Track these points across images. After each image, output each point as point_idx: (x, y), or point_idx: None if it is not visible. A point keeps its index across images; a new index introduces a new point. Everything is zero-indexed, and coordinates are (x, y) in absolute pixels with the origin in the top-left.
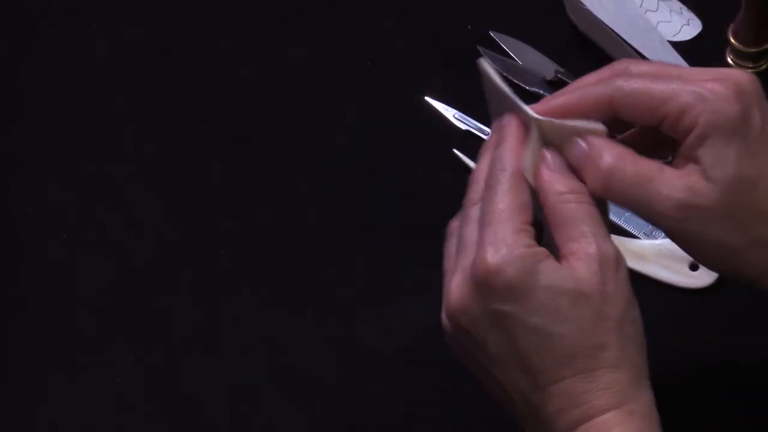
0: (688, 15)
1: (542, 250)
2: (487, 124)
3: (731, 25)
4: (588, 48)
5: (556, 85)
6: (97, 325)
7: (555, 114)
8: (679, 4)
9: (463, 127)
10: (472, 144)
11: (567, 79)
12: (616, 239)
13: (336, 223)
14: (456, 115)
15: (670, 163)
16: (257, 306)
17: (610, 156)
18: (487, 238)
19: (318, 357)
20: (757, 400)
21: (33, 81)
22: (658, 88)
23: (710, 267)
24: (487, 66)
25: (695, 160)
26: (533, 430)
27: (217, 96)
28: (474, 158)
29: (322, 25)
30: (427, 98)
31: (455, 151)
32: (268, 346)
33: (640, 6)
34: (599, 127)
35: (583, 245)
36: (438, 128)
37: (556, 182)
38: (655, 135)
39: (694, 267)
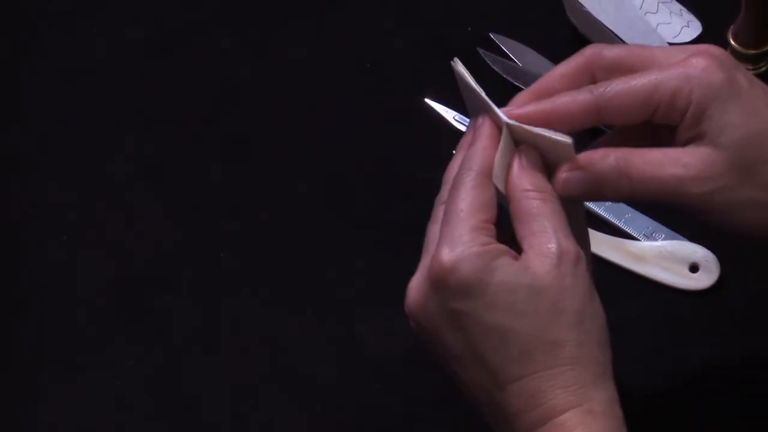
0: (688, 17)
1: (500, 247)
2: None
3: (731, 27)
4: None
5: None
6: (97, 325)
7: (539, 123)
8: (679, 6)
9: (463, 128)
10: None
11: None
12: (616, 241)
13: (336, 223)
14: (456, 117)
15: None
16: (257, 306)
17: (616, 158)
18: (444, 236)
19: (318, 357)
20: (757, 401)
21: (33, 81)
22: (642, 81)
23: (749, 233)
24: (461, 67)
25: (699, 135)
26: (497, 427)
27: (217, 96)
28: None
29: (322, 26)
30: (426, 100)
31: (455, 152)
32: (268, 346)
33: (640, 8)
34: (567, 139)
35: (542, 240)
36: (438, 130)
37: (523, 179)
38: (631, 132)
39: (694, 269)
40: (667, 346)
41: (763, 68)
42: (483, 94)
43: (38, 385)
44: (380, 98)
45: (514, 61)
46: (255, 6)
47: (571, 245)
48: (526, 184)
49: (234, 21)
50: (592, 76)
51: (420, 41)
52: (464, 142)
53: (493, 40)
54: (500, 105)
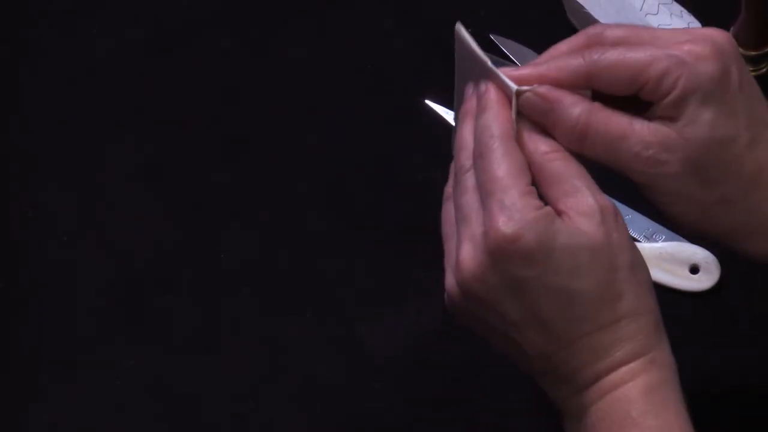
0: (688, 18)
1: (550, 209)
2: None
3: (731, 28)
4: None
5: None
6: (97, 325)
7: (531, 84)
8: (680, 8)
9: None
10: None
11: None
12: None
13: (336, 223)
14: None
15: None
16: (257, 306)
17: (581, 112)
18: (494, 206)
19: (318, 357)
20: (758, 403)
21: (33, 81)
22: (635, 57)
23: (678, 224)
24: (464, 32)
25: (671, 118)
26: (552, 386)
27: (217, 96)
28: None
29: (322, 26)
30: (427, 101)
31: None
32: (267, 347)
33: (641, 9)
34: None
35: (581, 199)
36: (438, 131)
37: (539, 142)
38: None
39: (694, 270)
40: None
41: (764, 69)
42: (489, 63)
43: (38, 385)
44: (380, 99)
45: (515, 63)
46: (255, 6)
47: (605, 200)
48: (544, 147)
49: (234, 21)
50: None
51: (420, 43)
52: (468, 108)
53: (493, 41)
54: None
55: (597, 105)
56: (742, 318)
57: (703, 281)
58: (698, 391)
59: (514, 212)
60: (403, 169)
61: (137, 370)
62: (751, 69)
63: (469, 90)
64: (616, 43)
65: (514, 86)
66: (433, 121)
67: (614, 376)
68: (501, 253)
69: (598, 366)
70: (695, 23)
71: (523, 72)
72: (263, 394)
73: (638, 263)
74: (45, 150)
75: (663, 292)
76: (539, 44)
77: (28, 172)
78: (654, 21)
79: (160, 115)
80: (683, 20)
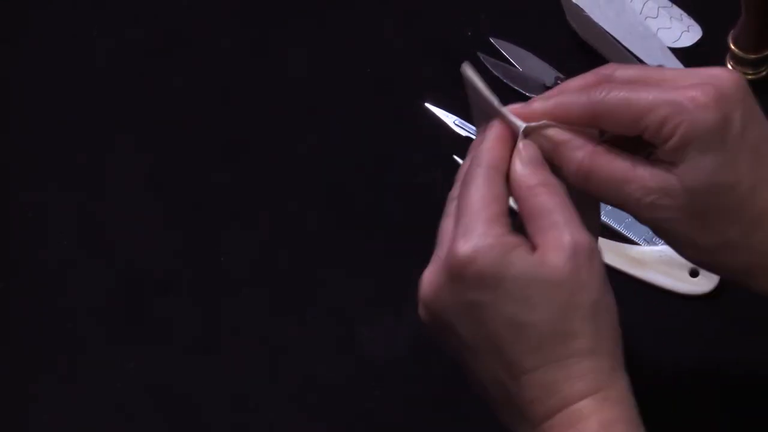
0: (688, 21)
1: (515, 239)
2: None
3: (731, 32)
4: (588, 54)
5: None
6: (97, 326)
7: (533, 117)
8: (679, 11)
9: (463, 133)
10: None
11: None
12: (616, 245)
13: (336, 223)
14: (456, 122)
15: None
16: (257, 307)
17: (584, 155)
18: (459, 229)
19: (318, 358)
20: (757, 405)
21: (33, 81)
22: (639, 99)
23: (688, 260)
24: (471, 73)
25: (671, 163)
26: (509, 417)
27: (217, 96)
28: None
29: (322, 29)
30: (427, 104)
31: (455, 157)
32: (268, 348)
33: (640, 12)
34: None
35: (554, 234)
36: (438, 134)
37: (527, 175)
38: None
39: (694, 273)
40: (668, 351)
41: (764, 72)
42: (495, 102)
43: (38, 386)
44: (380, 101)
45: (515, 66)
46: (255, 6)
47: (584, 237)
48: (531, 181)
49: (234, 21)
50: None
51: (420, 45)
52: (475, 143)
53: (493, 44)
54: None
55: (601, 148)
56: (741, 321)
57: (703, 284)
58: (697, 394)
59: (473, 236)
60: (403, 171)
61: (137, 372)
62: (750, 72)
63: (482, 127)
64: (624, 84)
65: (522, 124)
66: (432, 123)
67: (567, 414)
68: (456, 274)
69: (550, 402)
70: (695, 26)
71: (533, 108)
72: (263, 394)
73: (605, 306)
74: (45, 150)
75: (663, 296)
76: (539, 48)
77: (28, 173)
78: (654, 24)
79: (160, 115)
80: (683, 23)
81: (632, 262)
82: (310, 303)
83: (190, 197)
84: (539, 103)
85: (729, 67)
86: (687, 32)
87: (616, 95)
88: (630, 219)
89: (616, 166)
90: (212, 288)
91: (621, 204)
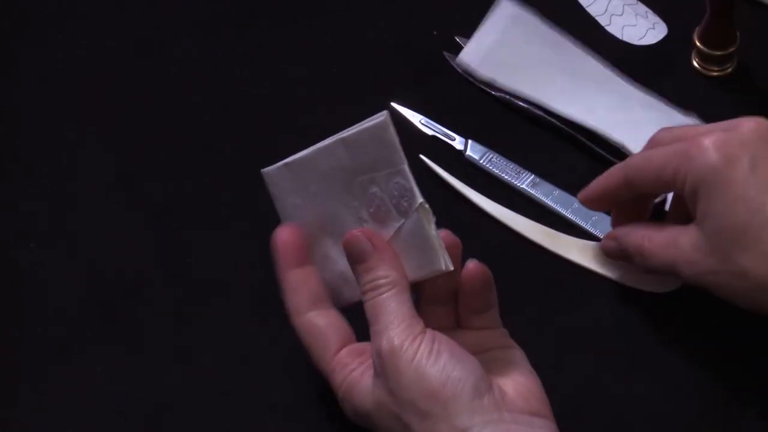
0: (654, 19)
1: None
2: (454, 130)
3: (697, 29)
4: None
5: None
6: (68, 334)
7: (589, 200)
8: (645, 8)
9: (430, 132)
10: (439, 149)
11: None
12: (584, 243)
13: None
14: (422, 121)
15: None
16: (229, 314)
17: (646, 241)
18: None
19: (292, 363)
20: (721, 400)
21: (4, 87)
22: (657, 154)
23: (743, 307)
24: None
25: (692, 216)
26: None
27: (188, 99)
28: (440, 163)
29: (287, 33)
30: (393, 104)
31: (422, 156)
32: (239, 353)
33: (605, 10)
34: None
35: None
36: (404, 134)
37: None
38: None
39: None
40: (633, 348)
41: (729, 69)
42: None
43: (9, 394)
44: (346, 103)
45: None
46: (220, 11)
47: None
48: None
49: (210, 25)
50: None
51: (386, 47)
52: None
53: (459, 43)
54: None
55: (652, 227)
56: (706, 318)
57: (668, 282)
58: (664, 391)
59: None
60: None
61: (108, 380)
62: (715, 69)
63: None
64: (654, 144)
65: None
66: (400, 124)
67: None
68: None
69: None
70: (660, 24)
71: (593, 189)
72: (237, 398)
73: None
74: (14, 152)
75: (630, 293)
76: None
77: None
78: (619, 21)
79: (131, 117)
80: (648, 21)
81: (598, 259)
82: (284, 307)
83: (161, 200)
84: (594, 182)
85: (695, 64)
86: (652, 29)
87: (641, 155)
88: (596, 217)
89: (660, 236)
90: (183, 295)
91: (666, 269)
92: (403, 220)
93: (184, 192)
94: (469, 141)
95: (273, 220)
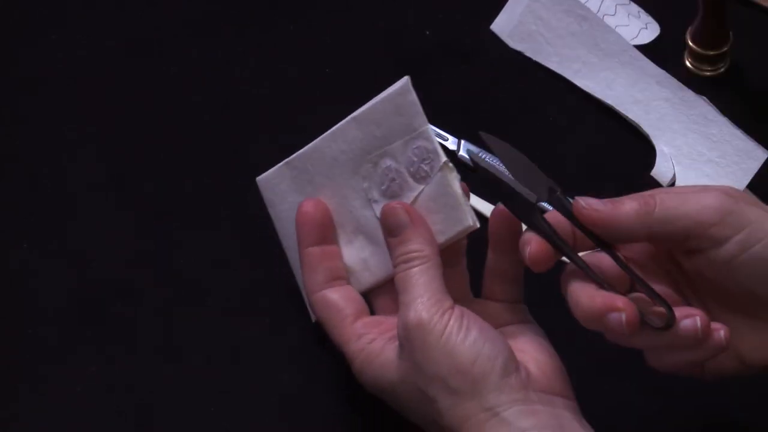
0: (646, 19)
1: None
2: (445, 130)
3: (689, 29)
4: None
5: None
6: (59, 334)
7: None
8: (637, 8)
9: None
10: None
11: None
12: None
13: None
14: None
15: None
16: (220, 314)
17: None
18: None
19: (281, 363)
20: (717, 401)
21: (4, 87)
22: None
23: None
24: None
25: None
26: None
27: (177, 100)
28: None
29: (278, 33)
30: None
31: None
32: (229, 353)
33: (598, 10)
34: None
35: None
36: None
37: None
38: None
39: None
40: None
41: (722, 69)
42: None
43: (1, 392)
44: (337, 104)
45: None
46: (209, 13)
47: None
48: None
49: (207, 26)
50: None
51: (377, 47)
52: None
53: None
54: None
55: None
56: None
57: None
58: (655, 392)
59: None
60: None
61: (99, 380)
62: (708, 69)
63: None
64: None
65: (443, 156)
66: None
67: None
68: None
69: None
70: (653, 23)
71: (626, 210)
72: (226, 400)
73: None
74: (4, 153)
75: None
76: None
77: None
78: (612, 21)
79: (122, 119)
80: (641, 20)
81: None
82: (275, 307)
83: (162, 200)
84: (628, 204)
85: (687, 63)
86: (645, 29)
87: (667, 196)
88: None
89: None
90: (174, 295)
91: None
92: (421, 188)
93: (183, 192)
94: (462, 141)
95: (261, 219)
